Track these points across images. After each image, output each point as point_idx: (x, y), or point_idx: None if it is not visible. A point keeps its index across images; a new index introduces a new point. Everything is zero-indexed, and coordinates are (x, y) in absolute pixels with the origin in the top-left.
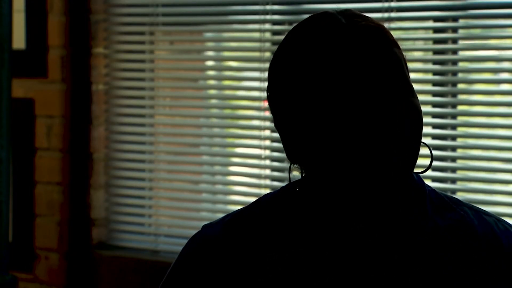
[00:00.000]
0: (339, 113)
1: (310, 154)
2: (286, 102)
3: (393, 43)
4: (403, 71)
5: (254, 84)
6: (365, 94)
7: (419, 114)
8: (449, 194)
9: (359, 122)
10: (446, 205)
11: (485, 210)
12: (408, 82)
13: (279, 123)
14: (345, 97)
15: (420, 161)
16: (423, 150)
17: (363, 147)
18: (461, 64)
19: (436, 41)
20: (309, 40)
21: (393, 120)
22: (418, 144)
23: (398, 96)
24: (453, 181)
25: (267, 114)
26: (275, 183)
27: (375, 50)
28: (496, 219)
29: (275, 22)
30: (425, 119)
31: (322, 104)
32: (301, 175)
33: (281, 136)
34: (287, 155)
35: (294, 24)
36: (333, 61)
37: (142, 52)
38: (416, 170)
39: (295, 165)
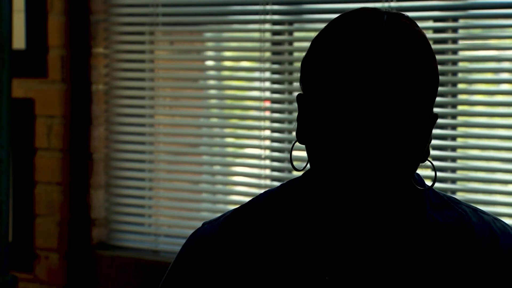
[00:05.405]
0: (355, 110)
1: (319, 137)
2: (318, 78)
3: (434, 62)
4: (433, 95)
5: (254, 84)
6: (381, 104)
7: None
8: (448, 194)
9: (366, 126)
10: (444, 203)
11: (482, 210)
12: (430, 108)
13: (304, 96)
14: (366, 98)
15: (422, 171)
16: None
17: (363, 148)
18: (461, 64)
19: (436, 41)
20: (360, 32)
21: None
22: (418, 158)
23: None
24: (453, 181)
25: (267, 114)
26: (275, 183)
27: (414, 67)
28: (493, 218)
29: (275, 22)
30: None
31: (345, 94)
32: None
33: (300, 109)
34: (297, 133)
35: (294, 24)
36: (371, 61)
37: (142, 52)
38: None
39: (298, 168)
